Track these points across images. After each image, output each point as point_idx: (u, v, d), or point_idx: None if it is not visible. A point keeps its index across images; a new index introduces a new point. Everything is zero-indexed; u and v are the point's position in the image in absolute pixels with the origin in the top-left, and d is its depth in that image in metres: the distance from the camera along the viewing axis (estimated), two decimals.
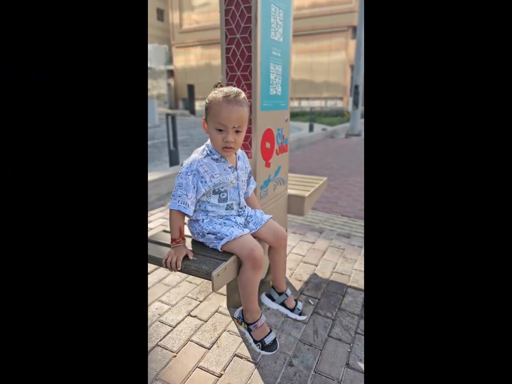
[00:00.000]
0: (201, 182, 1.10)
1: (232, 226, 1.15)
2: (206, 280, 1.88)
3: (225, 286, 1.78)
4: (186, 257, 1.06)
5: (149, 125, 12.19)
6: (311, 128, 8.92)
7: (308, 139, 7.60)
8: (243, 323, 1.19)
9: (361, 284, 1.81)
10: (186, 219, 1.16)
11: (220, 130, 1.09)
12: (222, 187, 1.16)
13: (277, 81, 1.44)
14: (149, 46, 22.48)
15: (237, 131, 1.10)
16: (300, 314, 1.40)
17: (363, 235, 2.45)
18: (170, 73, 23.36)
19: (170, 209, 1.09)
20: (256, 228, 1.21)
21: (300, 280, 1.86)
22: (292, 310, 1.39)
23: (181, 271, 1.03)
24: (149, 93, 20.73)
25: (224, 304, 1.63)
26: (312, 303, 1.64)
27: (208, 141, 1.18)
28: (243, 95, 1.12)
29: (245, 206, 1.27)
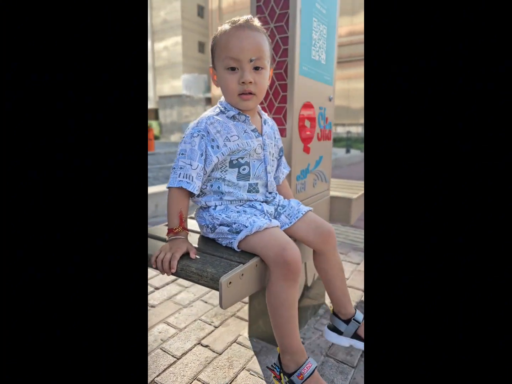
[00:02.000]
0: (212, 147, 0.78)
1: (255, 215, 0.80)
2: None
3: (246, 308, 1.41)
4: (185, 255, 0.72)
5: None
6: (348, 151, 8.53)
7: (346, 160, 7.21)
8: (281, 374, 0.78)
9: None
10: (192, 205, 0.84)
11: (233, 69, 0.78)
12: (242, 157, 0.82)
13: (320, 44, 1.14)
14: (190, 76, 23.64)
15: (257, 68, 0.79)
16: None
17: None
18: (208, 100, 24.19)
19: (168, 188, 0.77)
20: (291, 222, 0.85)
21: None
22: None
23: (176, 274, 0.69)
24: (186, 119, 21.49)
25: (246, 333, 1.26)
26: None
27: (222, 98, 0.87)
28: (257, 21, 0.81)
29: (276, 193, 0.92)
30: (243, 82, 0.78)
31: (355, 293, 1.59)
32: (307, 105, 1.10)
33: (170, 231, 0.75)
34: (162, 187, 3.17)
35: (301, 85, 1.04)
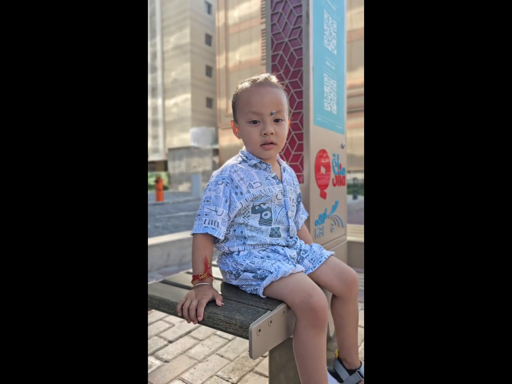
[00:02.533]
0: (236, 193, 0.80)
1: (279, 261, 0.80)
2: (242, 355, 1.45)
3: (265, 362, 1.33)
4: (211, 302, 0.71)
5: (193, 197, 12.71)
6: (355, 197, 8.56)
7: (355, 205, 7.21)
8: None
9: None
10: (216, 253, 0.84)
11: (255, 123, 0.83)
12: (264, 203, 0.84)
13: (331, 97, 1.21)
14: (198, 129, 24.74)
15: (277, 120, 0.83)
16: None
17: None
18: (216, 151, 25.01)
19: (193, 234, 0.78)
20: (314, 267, 0.85)
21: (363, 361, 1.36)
22: None
23: (202, 322, 0.67)
24: (195, 169, 22.06)
25: None
26: None
27: (243, 148, 0.91)
28: (275, 79, 0.88)
29: (297, 238, 0.92)
30: (265, 134, 0.82)
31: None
32: (322, 153, 1.14)
33: (195, 277, 0.75)
34: (172, 236, 3.17)
35: (316, 134, 1.09)
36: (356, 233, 1.60)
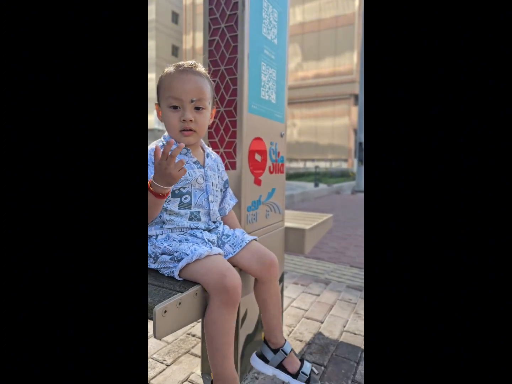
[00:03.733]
0: None
1: (197, 243, 0.82)
2: (180, 338, 1.48)
3: (199, 345, 1.37)
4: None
5: None
6: (316, 185, 8.79)
7: (314, 193, 7.41)
8: None
9: None
10: None
11: (175, 108, 0.84)
12: (183, 187, 0.86)
13: (270, 86, 1.23)
14: None
15: (197, 108, 0.85)
16: (308, 382, 0.94)
17: None
18: None
19: None
20: (235, 252, 0.87)
21: (301, 341, 1.44)
22: (295, 376, 0.93)
23: None
24: None
25: (198, 370, 1.22)
26: (316, 372, 1.21)
27: (165, 133, 0.91)
28: (202, 67, 0.89)
29: (220, 223, 0.95)
30: (184, 120, 0.83)
31: (314, 324, 1.60)
32: (257, 141, 1.16)
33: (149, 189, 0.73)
34: None
35: (251, 122, 1.11)
36: (297, 220, 1.66)
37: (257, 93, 1.14)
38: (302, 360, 0.98)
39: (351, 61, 19.16)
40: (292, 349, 0.98)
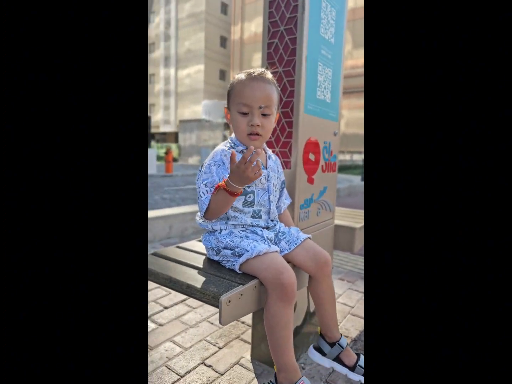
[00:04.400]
0: (228, 174, 0.87)
1: (256, 241, 0.88)
2: (231, 324, 1.58)
3: (250, 331, 1.45)
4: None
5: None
6: (363, 179, 8.53)
7: (360, 187, 7.20)
8: None
9: None
10: (201, 232, 0.93)
11: (244, 114, 0.90)
12: (248, 186, 0.92)
13: (326, 85, 1.24)
14: (210, 102, 24.48)
15: (264, 114, 0.90)
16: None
17: None
18: (226, 125, 24.87)
19: (204, 216, 0.87)
20: (290, 248, 0.92)
21: (347, 336, 1.47)
22: (352, 369, 0.97)
23: (183, 292, 0.76)
24: (205, 143, 22.05)
25: (248, 356, 1.30)
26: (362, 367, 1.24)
27: (232, 135, 0.97)
28: (270, 74, 0.94)
29: (277, 221, 1.00)
30: (252, 125, 0.89)
31: (360, 321, 1.61)
32: (312, 140, 1.19)
33: (218, 187, 0.81)
34: (178, 209, 3.28)
35: (306, 122, 1.13)
36: (347, 218, 1.67)
37: (313, 94, 1.16)
38: (358, 355, 1.01)
39: None
40: (348, 344, 1.01)
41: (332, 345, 0.99)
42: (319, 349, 1.02)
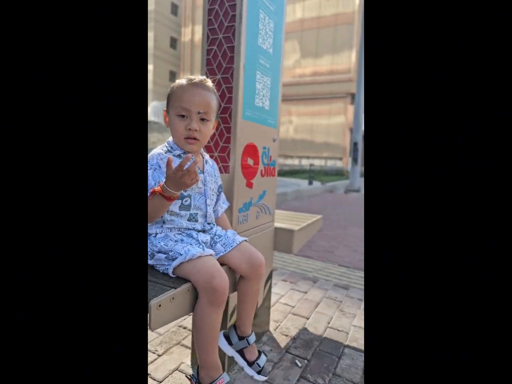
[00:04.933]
0: (164, 178, 0.87)
1: (191, 244, 0.88)
2: (172, 330, 1.55)
3: (189, 338, 1.44)
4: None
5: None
6: (310, 182, 8.87)
7: (307, 191, 7.49)
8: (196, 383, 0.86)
9: (361, 343, 1.47)
10: None
11: (183, 116, 0.91)
12: (185, 190, 0.92)
13: (264, 93, 1.29)
14: (159, 104, 23.76)
15: (203, 119, 0.92)
16: (259, 373, 1.02)
17: (363, 287, 2.14)
18: None
19: None
20: (226, 251, 0.94)
21: (287, 335, 1.52)
22: (250, 364, 1.02)
23: None
24: (154, 145, 21.28)
25: (188, 361, 1.29)
26: (299, 364, 1.29)
27: (170, 138, 0.98)
28: (210, 82, 0.97)
29: (214, 224, 1.02)
30: (189, 129, 0.90)
31: (300, 320, 1.67)
32: (250, 146, 1.22)
33: (154, 192, 0.80)
34: None
35: (244, 128, 1.17)
36: (287, 220, 1.74)
37: (251, 101, 1.20)
38: (260, 353, 1.07)
39: (349, 60, 19.19)
40: (254, 342, 1.07)
41: (241, 338, 1.04)
42: (227, 338, 1.06)
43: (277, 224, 1.55)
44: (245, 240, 1.00)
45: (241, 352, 1.04)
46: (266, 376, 1.05)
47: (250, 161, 1.24)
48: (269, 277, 1.51)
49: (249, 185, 1.25)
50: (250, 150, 1.23)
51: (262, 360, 1.04)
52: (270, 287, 1.53)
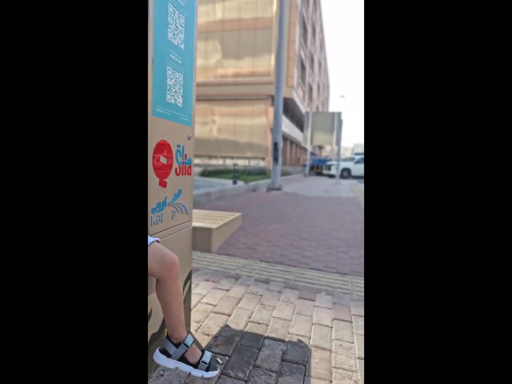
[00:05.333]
0: None
1: None
2: None
3: None
4: None
5: None
6: (234, 182, 8.99)
7: (231, 191, 7.57)
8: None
9: (280, 333, 1.54)
10: None
11: None
12: None
13: (176, 90, 1.26)
14: None
15: None
16: (208, 370, 1.00)
17: (283, 280, 2.25)
18: None
19: None
20: None
21: (208, 334, 1.51)
22: (196, 365, 0.99)
23: None
24: None
25: None
26: (220, 361, 1.30)
27: None
28: None
29: None
30: None
31: (221, 318, 1.68)
32: (163, 143, 1.18)
33: None
34: None
35: (155, 125, 1.12)
36: (206, 220, 1.73)
37: (162, 97, 1.16)
38: (203, 351, 1.04)
39: (269, 63, 19.92)
40: (193, 341, 1.04)
41: (177, 345, 1.01)
42: (164, 351, 1.02)
43: (195, 224, 1.53)
44: (157, 241, 0.96)
45: (183, 359, 0.99)
46: (217, 370, 1.02)
47: (163, 159, 1.19)
48: (188, 277, 1.48)
49: (163, 184, 1.20)
50: (163, 148, 1.19)
51: (207, 356, 1.02)
52: (190, 288, 1.50)
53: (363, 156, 20.12)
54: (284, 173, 16.48)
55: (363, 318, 1.73)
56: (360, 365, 1.29)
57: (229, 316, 1.71)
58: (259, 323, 1.65)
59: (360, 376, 1.22)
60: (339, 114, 14.10)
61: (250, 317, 1.70)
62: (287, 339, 1.51)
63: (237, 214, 1.92)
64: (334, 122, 14.15)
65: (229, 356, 1.35)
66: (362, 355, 1.38)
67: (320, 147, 50.10)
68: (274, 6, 19.28)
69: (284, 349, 1.43)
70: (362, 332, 1.57)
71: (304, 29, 25.95)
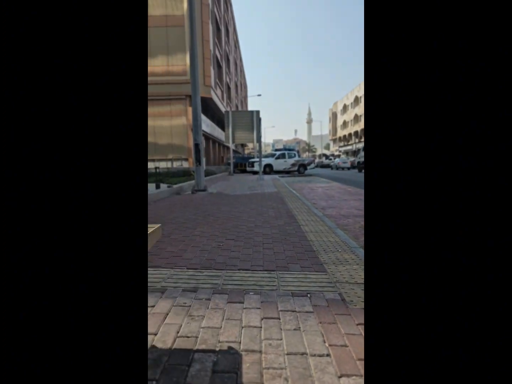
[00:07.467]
0: None
1: None
2: None
3: None
4: None
5: None
6: (157, 186, 8.61)
7: (154, 196, 7.22)
8: None
9: (210, 344, 1.50)
10: None
11: None
12: None
13: None
14: None
15: None
16: None
17: (211, 286, 2.21)
18: None
19: None
20: None
21: None
22: None
23: None
24: None
25: None
26: None
27: None
28: None
29: None
30: None
31: (147, 338, 1.58)
32: None
33: None
34: None
35: None
36: None
37: None
38: None
39: (184, 62, 19.51)
40: None
41: None
42: None
43: None
44: None
45: None
46: None
47: None
48: None
49: None
50: None
51: None
52: None
53: (283, 152, 21.05)
54: (208, 173, 16.42)
55: (289, 312, 1.79)
56: (288, 361, 1.32)
57: (156, 335, 1.60)
58: (187, 337, 1.58)
59: (289, 372, 1.25)
60: (257, 112, 14.50)
61: (178, 332, 1.62)
62: (217, 349, 1.48)
63: (156, 226, 1.81)
64: (253, 120, 14.52)
65: (156, 381, 1.27)
66: (291, 350, 1.42)
67: (243, 145, 51.10)
68: (185, 4, 18.92)
69: (215, 359, 1.39)
70: (290, 327, 1.62)
71: (218, 29, 26.00)
